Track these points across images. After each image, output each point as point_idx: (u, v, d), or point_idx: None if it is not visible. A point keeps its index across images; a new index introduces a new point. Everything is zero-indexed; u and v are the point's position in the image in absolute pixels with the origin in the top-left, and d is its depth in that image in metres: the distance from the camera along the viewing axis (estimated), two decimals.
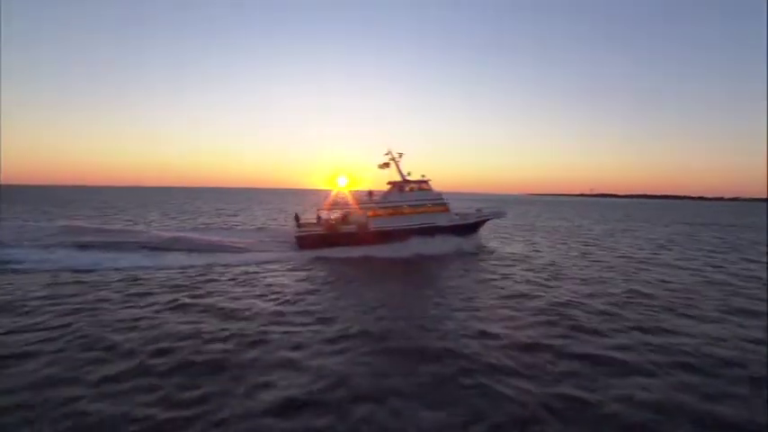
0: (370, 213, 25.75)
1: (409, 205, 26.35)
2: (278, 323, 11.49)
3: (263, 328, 11.02)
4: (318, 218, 26.84)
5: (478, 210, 30.11)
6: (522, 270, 20.04)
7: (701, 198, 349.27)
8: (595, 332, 11.30)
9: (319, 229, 25.40)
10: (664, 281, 18.40)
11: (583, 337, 10.91)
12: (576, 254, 26.13)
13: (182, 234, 28.63)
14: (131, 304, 12.97)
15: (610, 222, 56.64)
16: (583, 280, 18.12)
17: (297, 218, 27.03)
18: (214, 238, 27.66)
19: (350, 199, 26.66)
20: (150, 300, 13.51)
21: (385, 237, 24.95)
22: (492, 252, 25.67)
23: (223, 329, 10.88)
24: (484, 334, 10.93)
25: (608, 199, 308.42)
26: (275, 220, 47.69)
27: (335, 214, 26.81)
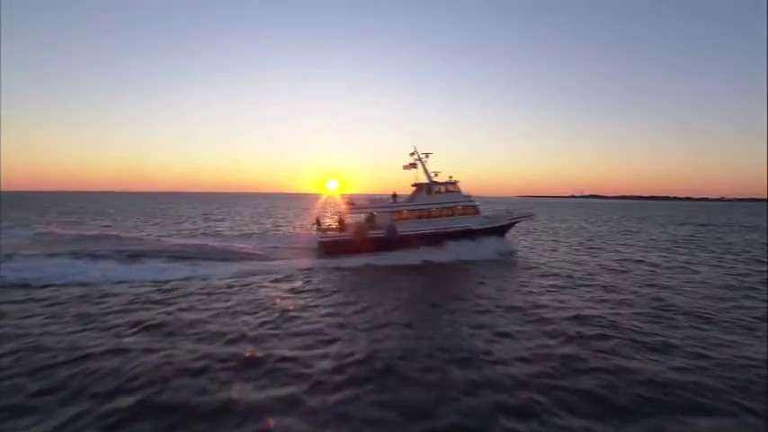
0: (395, 217, 24.01)
1: (438, 208, 24.64)
2: (267, 349, 9.56)
3: (247, 356, 9.11)
4: (340, 221, 24.81)
5: (507, 211, 28.24)
6: (537, 277, 18.38)
7: (687, 199, 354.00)
8: (639, 354, 9.64)
9: (346, 234, 23.42)
10: (687, 287, 16.93)
11: (624, 362, 9.19)
12: (585, 257, 24.66)
13: (163, 240, 26.59)
14: (89, 326, 10.88)
15: (607, 224, 55.67)
16: (603, 287, 16.55)
17: (318, 222, 25.35)
18: (199, 243, 25.64)
19: (373, 202, 25.04)
20: (113, 320, 11.42)
21: (414, 242, 23.11)
22: (500, 258, 23.86)
23: (198, 359, 8.94)
24: (511, 359, 9.18)
25: (598, 200, 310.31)
26: (263, 224, 45.50)
27: (358, 218, 24.83)
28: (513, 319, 12.21)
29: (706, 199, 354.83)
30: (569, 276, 18.73)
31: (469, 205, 25.34)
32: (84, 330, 10.60)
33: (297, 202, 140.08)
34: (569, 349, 9.84)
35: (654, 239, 35.84)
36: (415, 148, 25.44)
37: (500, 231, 26.40)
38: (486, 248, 23.76)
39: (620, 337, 10.70)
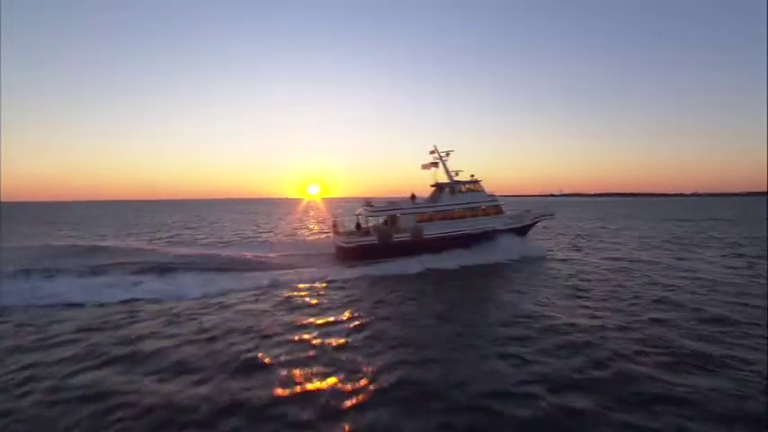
0: (418, 219, 22.42)
1: (463, 208, 23.27)
2: (244, 390, 7.57)
3: (218, 401, 7.14)
4: (358, 225, 23.20)
5: (528, 211, 27.07)
6: (550, 281, 16.87)
7: (663, 195, 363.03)
8: (695, 378, 8.12)
9: (370, 238, 21.60)
10: (711, 289, 15.51)
11: (685, 390, 7.66)
12: (592, 259, 23.16)
13: (135, 250, 23.82)
14: (19, 367, 8.62)
15: (597, 221, 55.13)
16: (620, 291, 15.13)
17: (335, 225, 24.06)
18: (177, 253, 23.22)
19: (393, 203, 23.21)
20: (52, 356, 9.18)
21: (441, 244, 21.72)
22: (524, 259, 21.98)
23: (155, 408, 6.95)
24: (553, 391, 7.50)
25: (578, 198, 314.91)
26: (243, 231, 43.05)
27: (376, 220, 23.09)
28: (537, 333, 10.57)
29: (681, 194, 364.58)
30: (582, 279, 17.30)
31: (493, 205, 24.11)
32: (12, 372, 8.42)
33: (277, 207, 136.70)
34: (613, 373, 8.24)
35: (652, 237, 34.79)
36: (435, 146, 24.15)
37: (523, 231, 25.33)
38: (512, 250, 22.23)
39: (662, 354, 9.22)
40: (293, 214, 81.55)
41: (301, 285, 16.67)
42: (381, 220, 22.85)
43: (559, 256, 24.07)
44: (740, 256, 23.62)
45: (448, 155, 24.24)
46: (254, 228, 47.09)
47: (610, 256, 23.91)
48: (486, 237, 23.01)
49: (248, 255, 23.71)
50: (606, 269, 19.79)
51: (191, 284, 16.21)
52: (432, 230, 22.17)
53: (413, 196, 23.75)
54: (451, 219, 22.92)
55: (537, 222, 27.30)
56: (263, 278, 17.47)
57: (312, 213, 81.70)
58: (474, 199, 23.77)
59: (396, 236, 21.67)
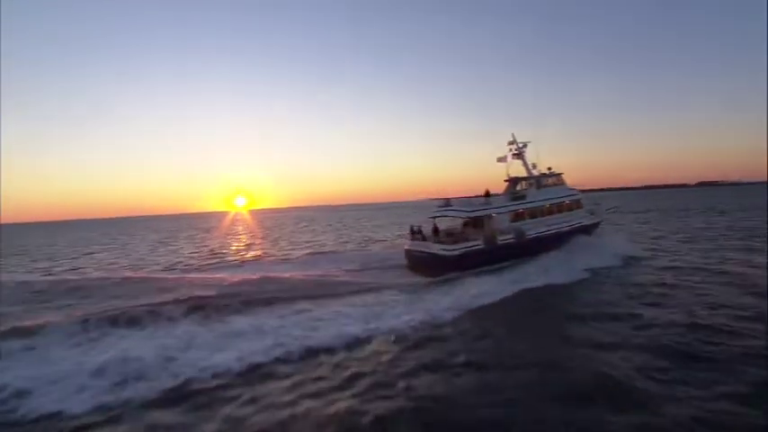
0: (511, 217, 19.80)
1: (552, 204, 21.14)
2: None
3: None
4: (435, 229, 19.67)
5: (597, 204, 24.88)
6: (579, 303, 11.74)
7: (620, 189, 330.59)
8: None
9: (474, 243, 17.87)
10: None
11: None
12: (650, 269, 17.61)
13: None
14: None
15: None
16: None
17: (418, 231, 19.86)
18: (64, 284, 14.44)
19: (469, 203, 19.94)
20: None
21: (542, 245, 19.06)
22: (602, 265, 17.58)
23: None
24: None
25: None
26: (159, 255, 33.77)
27: (453, 223, 20.74)
28: None
29: (633, 188, 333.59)
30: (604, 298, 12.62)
31: (575, 199, 22.26)
32: None
33: (201, 221, 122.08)
34: None
35: (643, 231, 31.01)
36: (513, 135, 22.04)
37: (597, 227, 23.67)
38: (608, 250, 19.14)
39: None
40: (220, 228, 71.39)
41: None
42: (460, 221, 20.28)
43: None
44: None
45: (525, 146, 21.82)
46: (173, 246, 37.86)
47: (670, 264, 18.07)
48: (577, 234, 20.77)
49: (160, 277, 15.89)
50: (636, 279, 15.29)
51: (58, 360, 8.57)
52: (528, 229, 19.46)
53: (487, 193, 20.69)
54: (541, 215, 20.53)
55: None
56: (190, 328, 9.97)
57: (240, 227, 71.99)
58: (560, 193, 21.86)
59: (501, 238, 18.53)
